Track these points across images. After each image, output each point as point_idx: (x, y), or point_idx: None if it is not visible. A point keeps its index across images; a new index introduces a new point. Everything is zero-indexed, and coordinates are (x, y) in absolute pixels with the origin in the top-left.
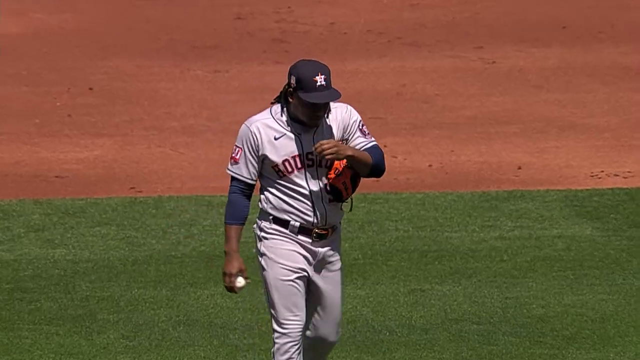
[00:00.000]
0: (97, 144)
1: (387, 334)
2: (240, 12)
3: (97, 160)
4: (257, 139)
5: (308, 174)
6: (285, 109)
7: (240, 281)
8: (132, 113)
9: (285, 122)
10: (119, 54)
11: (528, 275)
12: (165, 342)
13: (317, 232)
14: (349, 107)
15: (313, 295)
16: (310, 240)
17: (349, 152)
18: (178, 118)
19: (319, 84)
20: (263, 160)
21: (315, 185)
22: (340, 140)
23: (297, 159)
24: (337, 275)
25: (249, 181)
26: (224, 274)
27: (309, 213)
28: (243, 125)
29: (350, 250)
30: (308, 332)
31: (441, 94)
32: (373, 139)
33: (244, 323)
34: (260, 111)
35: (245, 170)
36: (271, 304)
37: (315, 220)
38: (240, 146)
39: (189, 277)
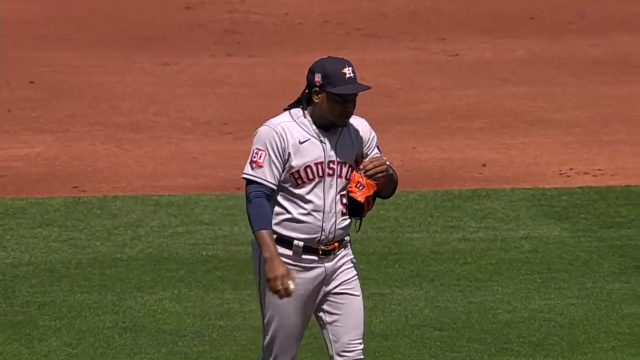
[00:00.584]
0: (38, 140)
1: None
2: (189, 2)
3: (38, 158)
4: (284, 140)
5: (327, 184)
6: (305, 112)
7: (291, 284)
8: (76, 108)
9: (309, 127)
10: (61, 45)
11: (493, 278)
12: (110, 349)
13: (322, 249)
14: (365, 120)
15: (333, 306)
16: (316, 259)
17: (390, 171)
18: (124, 113)
19: (348, 76)
20: (285, 164)
21: (330, 197)
22: (358, 154)
23: (320, 167)
24: (355, 282)
25: (273, 186)
26: (273, 278)
27: (316, 229)
28: (264, 127)
29: None
30: (332, 351)
31: (403, 87)
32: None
33: (194, 329)
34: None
35: (270, 174)
36: (266, 331)
37: (323, 237)
38: (264, 149)
39: (135, 281)
